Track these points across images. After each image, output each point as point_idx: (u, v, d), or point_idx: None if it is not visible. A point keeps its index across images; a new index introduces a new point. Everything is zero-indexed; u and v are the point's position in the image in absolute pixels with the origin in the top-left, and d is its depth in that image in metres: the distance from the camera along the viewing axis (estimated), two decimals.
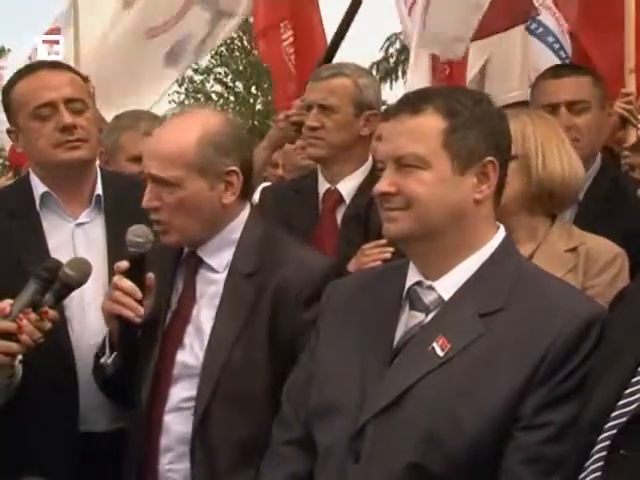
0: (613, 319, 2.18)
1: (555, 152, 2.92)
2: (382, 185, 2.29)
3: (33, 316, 2.64)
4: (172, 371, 2.70)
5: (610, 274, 2.87)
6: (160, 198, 2.69)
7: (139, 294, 2.68)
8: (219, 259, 2.76)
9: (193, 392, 2.68)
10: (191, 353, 2.71)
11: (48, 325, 2.68)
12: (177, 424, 2.68)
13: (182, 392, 2.69)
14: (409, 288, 2.33)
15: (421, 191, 2.24)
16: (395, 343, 2.28)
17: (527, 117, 2.93)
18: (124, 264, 2.69)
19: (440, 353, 2.20)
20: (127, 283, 2.67)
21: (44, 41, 6.70)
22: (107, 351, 2.79)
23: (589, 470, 1.94)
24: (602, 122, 3.84)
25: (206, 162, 2.68)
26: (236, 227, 2.78)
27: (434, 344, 2.21)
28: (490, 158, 2.28)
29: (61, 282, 2.69)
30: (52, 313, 2.70)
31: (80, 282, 2.74)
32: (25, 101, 3.20)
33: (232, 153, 2.72)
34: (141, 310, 2.68)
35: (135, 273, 2.69)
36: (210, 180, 2.69)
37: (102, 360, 2.80)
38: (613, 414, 1.94)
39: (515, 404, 2.14)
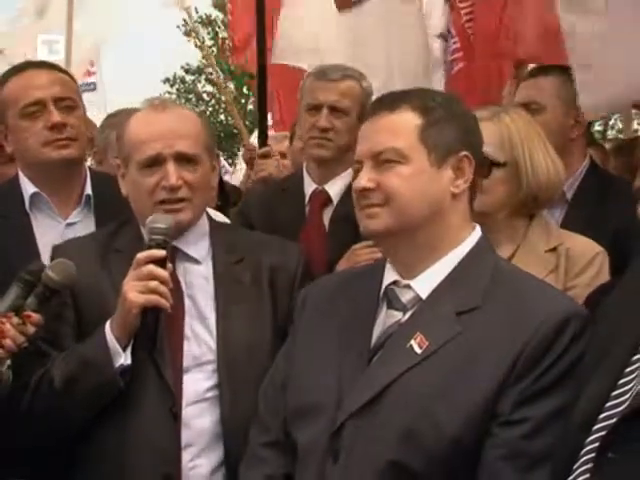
0: (599, 319, 2.18)
1: (540, 156, 2.92)
2: (361, 181, 2.31)
3: (15, 320, 2.56)
4: (182, 363, 2.66)
5: (590, 274, 2.87)
6: (182, 177, 2.71)
7: (171, 283, 2.58)
8: (198, 250, 2.79)
9: (209, 382, 2.66)
10: (200, 343, 2.69)
11: (31, 329, 2.59)
12: (197, 417, 2.65)
13: (197, 384, 2.66)
14: (386, 287, 2.34)
15: (401, 185, 2.27)
16: (373, 342, 2.30)
17: (508, 117, 2.92)
18: (160, 252, 2.57)
19: (418, 351, 2.22)
20: (164, 272, 2.56)
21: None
22: (120, 351, 2.58)
23: (577, 472, 1.93)
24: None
25: (210, 143, 2.83)
26: (204, 219, 2.86)
27: (412, 342, 2.23)
28: (465, 152, 2.32)
29: (44, 285, 2.61)
30: (35, 317, 2.59)
31: (63, 285, 2.64)
32: (14, 100, 3.20)
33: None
34: (171, 300, 2.58)
35: (159, 262, 2.57)
36: (211, 161, 2.82)
37: (121, 361, 2.57)
38: (601, 416, 1.92)
39: (493, 401, 2.16)
